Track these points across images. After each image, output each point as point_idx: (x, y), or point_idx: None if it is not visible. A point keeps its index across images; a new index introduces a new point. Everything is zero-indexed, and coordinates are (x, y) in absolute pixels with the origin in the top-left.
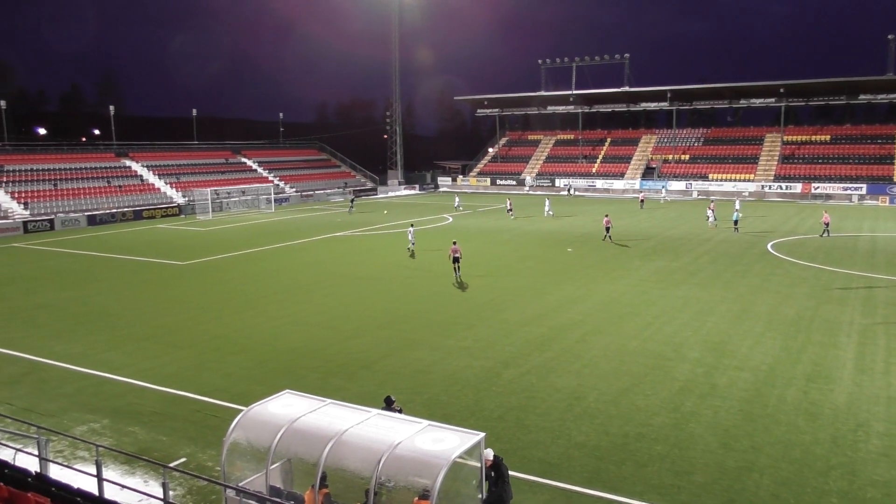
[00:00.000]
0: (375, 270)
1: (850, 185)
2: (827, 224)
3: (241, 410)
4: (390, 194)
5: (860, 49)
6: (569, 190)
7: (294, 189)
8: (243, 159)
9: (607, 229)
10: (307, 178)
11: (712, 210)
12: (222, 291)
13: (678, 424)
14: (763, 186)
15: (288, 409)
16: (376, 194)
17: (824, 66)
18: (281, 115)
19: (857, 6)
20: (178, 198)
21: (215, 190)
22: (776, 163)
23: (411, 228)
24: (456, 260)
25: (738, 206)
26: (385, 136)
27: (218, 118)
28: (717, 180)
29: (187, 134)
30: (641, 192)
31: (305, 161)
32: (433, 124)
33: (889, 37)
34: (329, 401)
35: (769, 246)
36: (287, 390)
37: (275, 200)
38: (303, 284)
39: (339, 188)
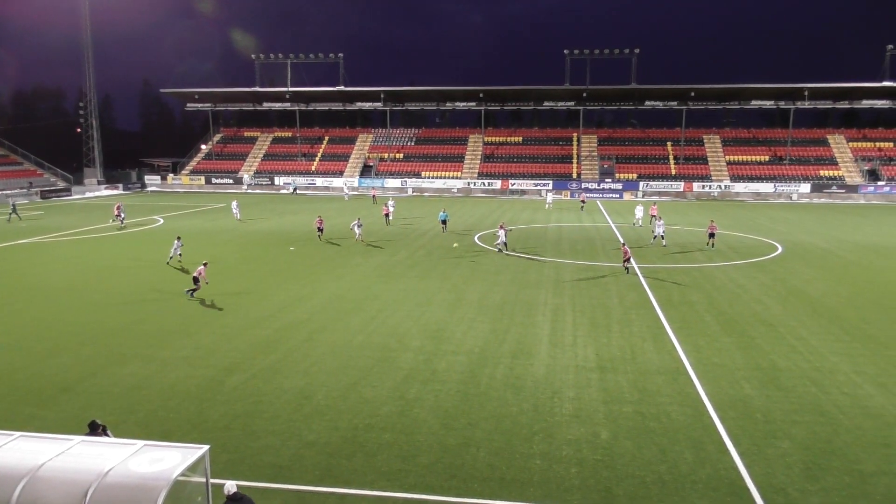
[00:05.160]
0: (75, 279)
1: (540, 182)
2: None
3: None
4: (88, 195)
5: (543, 61)
6: (293, 189)
7: None
8: None
9: (320, 229)
10: None
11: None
12: None
13: (404, 411)
14: (469, 183)
15: None
16: (71, 195)
17: (515, 75)
18: None
19: (538, 23)
20: None
21: None
22: (479, 161)
23: (178, 242)
24: (195, 280)
25: (391, 206)
26: (78, 130)
27: None
28: (429, 178)
29: None
30: (372, 189)
31: None
32: (136, 118)
33: (565, 51)
34: (18, 434)
35: (476, 238)
36: None
37: None
38: None
39: (22, 188)
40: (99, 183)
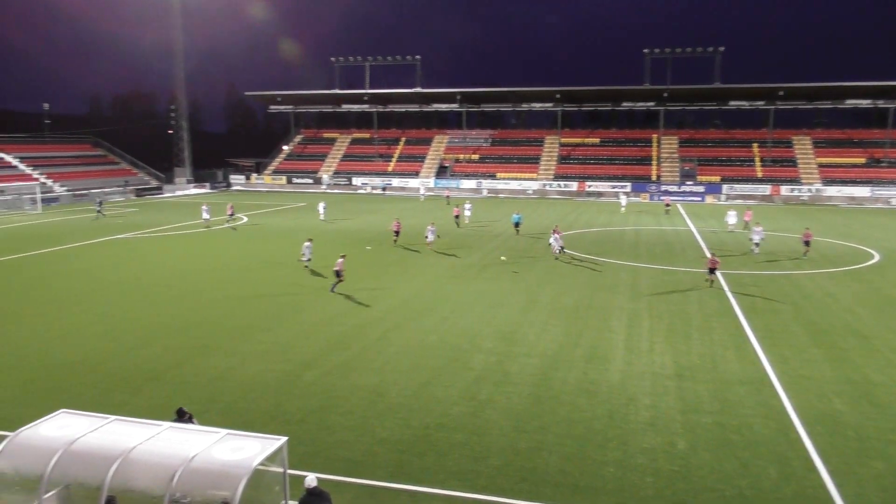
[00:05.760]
0: (162, 275)
1: (618, 184)
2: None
3: (7, 436)
4: (178, 193)
5: (622, 61)
6: (382, 188)
7: (65, 188)
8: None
9: (396, 232)
10: (81, 175)
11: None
12: None
13: (475, 412)
14: (545, 185)
15: (64, 430)
16: (162, 193)
17: (593, 75)
18: (46, 105)
19: (617, 22)
20: None
21: None
22: (555, 163)
23: (308, 244)
24: (338, 274)
25: (468, 210)
26: (170, 132)
27: None
28: (504, 179)
29: None
30: (443, 190)
31: (78, 157)
32: (222, 120)
33: (644, 50)
34: (113, 417)
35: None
36: (63, 410)
37: (42, 200)
38: (78, 293)
39: (119, 186)
40: (188, 182)
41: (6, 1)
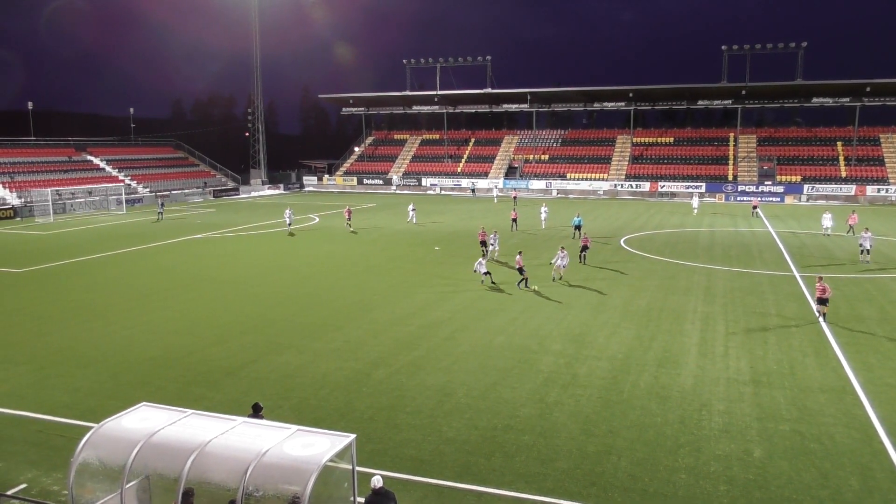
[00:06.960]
0: (238, 273)
1: (692, 184)
2: (852, 225)
3: (92, 427)
4: (253, 194)
5: (698, 58)
6: (472, 190)
7: (148, 189)
8: (89, 157)
9: (483, 243)
10: (162, 177)
11: None
12: (67, 300)
13: (543, 414)
14: (616, 185)
15: (145, 422)
16: (238, 194)
17: (667, 73)
18: (132, 110)
19: (694, 18)
20: (12, 199)
21: (57, 190)
22: (627, 163)
23: (482, 259)
24: (521, 271)
25: (545, 213)
26: (247, 134)
27: (59, 112)
28: (574, 179)
29: (22, 129)
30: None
31: (160, 159)
32: (297, 123)
33: (723, 48)
34: (191, 411)
35: (622, 241)
36: (144, 403)
37: (126, 201)
38: (159, 290)
39: (198, 188)
40: (263, 183)
41: (96, 14)
